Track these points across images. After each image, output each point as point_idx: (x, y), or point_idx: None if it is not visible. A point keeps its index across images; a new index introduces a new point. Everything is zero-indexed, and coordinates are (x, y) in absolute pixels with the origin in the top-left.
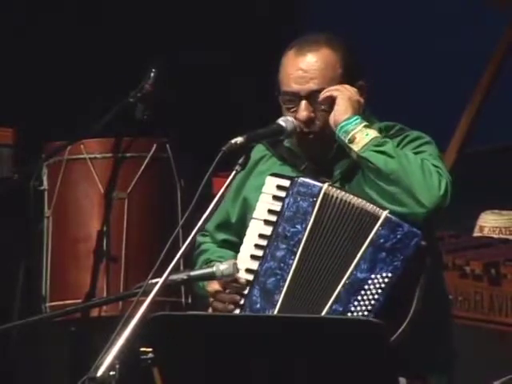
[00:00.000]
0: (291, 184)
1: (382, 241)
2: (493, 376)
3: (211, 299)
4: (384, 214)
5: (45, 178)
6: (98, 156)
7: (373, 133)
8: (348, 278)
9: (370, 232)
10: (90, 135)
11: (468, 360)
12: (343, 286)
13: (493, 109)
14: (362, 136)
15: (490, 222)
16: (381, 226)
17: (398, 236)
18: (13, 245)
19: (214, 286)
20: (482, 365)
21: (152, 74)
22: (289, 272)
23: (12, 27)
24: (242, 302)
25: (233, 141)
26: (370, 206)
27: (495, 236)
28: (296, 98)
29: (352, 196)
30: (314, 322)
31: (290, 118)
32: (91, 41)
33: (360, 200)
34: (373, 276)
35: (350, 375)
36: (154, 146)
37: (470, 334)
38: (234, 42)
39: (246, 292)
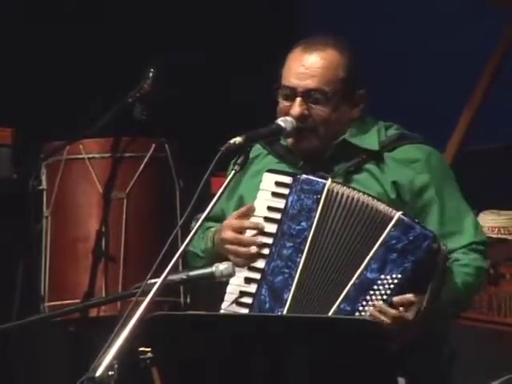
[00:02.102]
0: (293, 181)
1: (393, 242)
2: (492, 376)
3: (228, 245)
4: (397, 214)
5: (44, 178)
6: (96, 156)
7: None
8: (358, 277)
9: (382, 232)
10: (88, 135)
11: (467, 360)
12: (352, 285)
13: (492, 108)
14: None
15: (488, 222)
16: (393, 226)
17: (410, 238)
18: (12, 245)
19: (228, 232)
20: (481, 365)
21: (151, 74)
22: (296, 270)
23: (12, 27)
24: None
25: (231, 141)
26: (381, 206)
27: (494, 236)
28: (293, 93)
29: (359, 193)
30: (312, 322)
31: (289, 119)
32: (90, 41)
33: (369, 198)
34: (382, 276)
35: (349, 375)
36: (153, 146)
37: (468, 333)
38: (234, 42)
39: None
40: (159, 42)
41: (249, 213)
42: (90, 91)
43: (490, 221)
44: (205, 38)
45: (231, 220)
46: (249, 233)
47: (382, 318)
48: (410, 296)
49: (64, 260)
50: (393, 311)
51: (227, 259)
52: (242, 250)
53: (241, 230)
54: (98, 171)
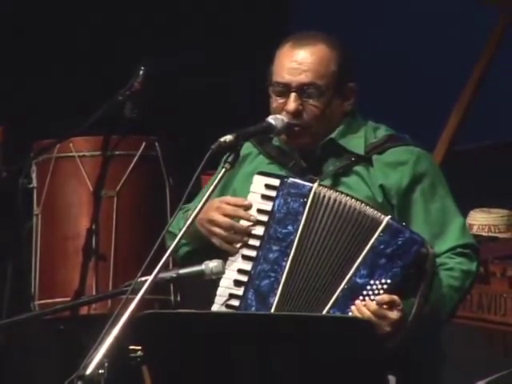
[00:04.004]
0: (281, 184)
1: (382, 247)
2: (481, 374)
3: (216, 228)
4: (386, 219)
5: (34, 176)
6: (86, 154)
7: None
8: (347, 282)
9: (371, 237)
10: (78, 133)
11: (456, 358)
12: (342, 291)
13: (483, 107)
14: None
15: (479, 220)
16: (382, 231)
17: (399, 242)
18: (1, 243)
19: (220, 216)
20: (471, 363)
21: (141, 72)
22: (282, 274)
23: (2, 26)
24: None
25: (222, 139)
26: (370, 210)
27: (484, 234)
28: (286, 89)
29: (346, 197)
30: (302, 321)
31: (279, 117)
32: (83, 39)
33: (357, 202)
34: (372, 282)
35: (339, 373)
36: (143, 144)
37: (458, 332)
38: (225, 41)
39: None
40: (151, 42)
41: (242, 205)
42: (80, 89)
43: (481, 219)
44: (201, 38)
45: (224, 205)
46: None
47: (364, 310)
48: (394, 296)
49: (54, 258)
50: (374, 305)
51: (207, 239)
52: (233, 236)
53: (232, 218)
54: (88, 169)
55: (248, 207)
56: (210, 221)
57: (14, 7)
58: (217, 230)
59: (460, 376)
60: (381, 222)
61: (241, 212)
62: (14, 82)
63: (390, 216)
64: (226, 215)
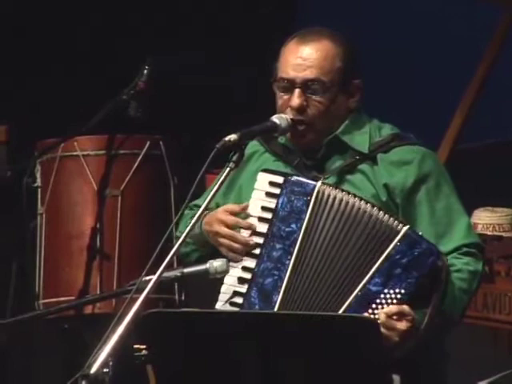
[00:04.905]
0: (284, 182)
1: (398, 256)
2: (486, 373)
3: (222, 239)
4: (404, 229)
5: (38, 175)
6: (91, 153)
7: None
8: (361, 289)
9: (388, 246)
10: (83, 132)
11: (461, 358)
12: (355, 297)
13: (487, 105)
14: None
15: (483, 219)
16: (399, 241)
17: (416, 253)
18: (6, 242)
19: (222, 227)
20: (476, 362)
21: (145, 72)
22: (286, 272)
23: (4, 25)
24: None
25: (226, 138)
26: (382, 215)
27: (489, 233)
28: (291, 85)
29: (354, 198)
30: (306, 320)
31: (283, 116)
32: (81, 40)
33: (367, 204)
34: (386, 290)
35: (343, 372)
36: (148, 143)
37: (463, 331)
38: (230, 42)
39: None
40: (153, 41)
41: (241, 212)
42: (84, 89)
43: (485, 218)
44: (204, 38)
45: (225, 216)
46: (242, 232)
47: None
48: (404, 307)
49: (59, 257)
50: (383, 316)
51: (213, 245)
52: (237, 246)
53: (235, 228)
54: (93, 168)
55: (244, 209)
56: (214, 233)
57: (14, 7)
58: (221, 240)
59: (465, 375)
60: (398, 232)
61: (241, 222)
62: (17, 82)
63: (408, 226)
64: (228, 226)
